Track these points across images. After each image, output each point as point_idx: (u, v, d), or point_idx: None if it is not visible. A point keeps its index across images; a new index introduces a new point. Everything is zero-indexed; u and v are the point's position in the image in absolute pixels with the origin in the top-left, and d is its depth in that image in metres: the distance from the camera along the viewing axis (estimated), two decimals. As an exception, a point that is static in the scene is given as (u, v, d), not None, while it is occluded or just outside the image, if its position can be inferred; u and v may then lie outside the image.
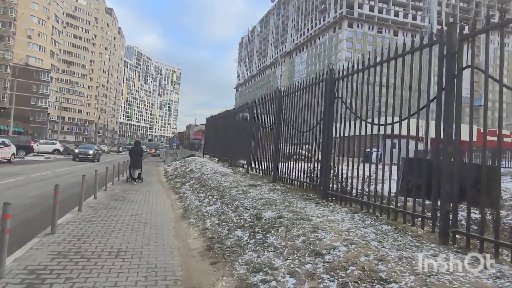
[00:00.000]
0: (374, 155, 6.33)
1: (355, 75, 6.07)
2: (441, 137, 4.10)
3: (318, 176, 7.19)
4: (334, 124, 6.59)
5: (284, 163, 8.93)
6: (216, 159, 18.14)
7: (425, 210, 4.51)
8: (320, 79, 7.07)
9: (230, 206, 6.77)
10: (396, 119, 5.07)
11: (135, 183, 13.43)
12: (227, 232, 5.37)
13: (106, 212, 7.13)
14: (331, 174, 6.60)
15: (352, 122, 5.99)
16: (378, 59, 5.41)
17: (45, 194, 9.77)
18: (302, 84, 8.06)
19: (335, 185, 6.56)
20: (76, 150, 29.79)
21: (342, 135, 6.59)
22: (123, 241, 5.09)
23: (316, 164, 7.49)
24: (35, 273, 3.74)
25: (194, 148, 46.02)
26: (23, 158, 26.18)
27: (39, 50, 71.64)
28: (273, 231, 4.69)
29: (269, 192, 7.78)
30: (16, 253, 4.31)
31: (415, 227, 4.55)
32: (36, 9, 70.58)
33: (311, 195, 7.22)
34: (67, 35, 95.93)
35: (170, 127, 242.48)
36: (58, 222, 5.88)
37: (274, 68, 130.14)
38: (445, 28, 4.14)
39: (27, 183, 11.93)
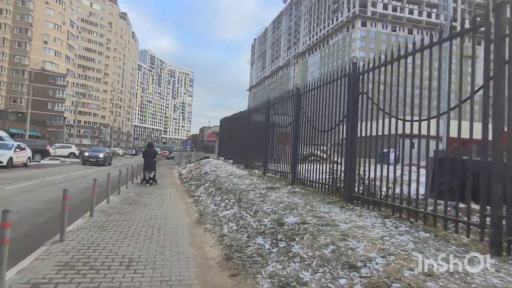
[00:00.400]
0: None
1: (381, 69, 5.60)
2: (488, 132, 3.62)
3: (342, 178, 6.75)
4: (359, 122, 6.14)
5: (304, 165, 8.49)
6: (231, 161, 17.80)
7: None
8: (342, 74, 6.62)
9: (248, 211, 6.37)
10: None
11: (148, 185, 13.41)
12: (246, 239, 4.96)
13: (119, 217, 6.82)
14: (356, 176, 6.14)
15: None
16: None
17: (57, 199, 9.52)
18: (322, 80, 7.61)
19: (360, 188, 6.10)
20: (86, 154, 28.02)
21: (366, 133, 6.13)
22: (136, 249, 4.74)
23: (338, 166, 7.05)
24: None
25: (208, 150, 45.88)
26: (39, 162, 26.39)
27: (55, 55, 72.84)
28: (297, 239, 4.27)
29: (288, 195, 7.36)
30: (21, 264, 4.01)
31: (457, 234, 4.06)
32: (52, 14, 71.83)
33: (334, 198, 6.77)
34: (82, 39, 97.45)
35: (184, 129, 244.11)
36: (68, 228, 5.59)
37: (287, 69, 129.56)
38: (492, 9, 3.66)
39: (40, 187, 11.79)
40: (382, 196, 5.59)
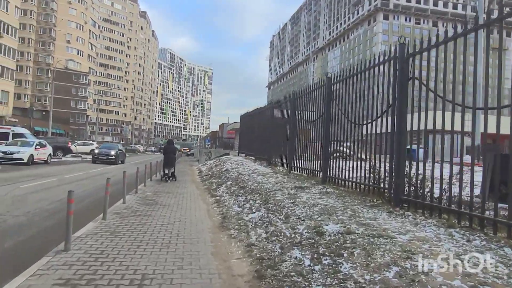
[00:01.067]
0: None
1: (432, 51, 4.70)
2: None
3: (383, 177, 5.88)
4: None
5: (336, 162, 7.63)
6: (253, 157, 17.06)
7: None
8: (386, 58, 5.72)
9: (278, 214, 5.60)
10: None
11: (168, 181, 13.39)
12: (279, 251, 4.18)
13: (134, 220, 6.17)
14: (406, 175, 5.25)
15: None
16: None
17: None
18: (359, 67, 6.72)
19: (410, 189, 5.21)
20: (96, 151, 25.20)
21: (420, 126, 5.24)
22: (150, 262, 4.04)
23: (377, 163, 6.19)
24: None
25: (228, 147, 45.40)
26: (61, 158, 26.44)
27: (78, 54, 73.97)
28: (345, 254, 3.46)
29: (321, 196, 6.54)
30: (14, 281, 3.36)
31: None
32: (74, 14, 72.94)
33: (375, 200, 5.90)
34: (103, 39, 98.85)
35: (203, 126, 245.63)
36: (77, 234, 4.97)
37: (306, 65, 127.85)
38: None
39: (57, 185, 11.38)
40: (435, 199, 4.71)
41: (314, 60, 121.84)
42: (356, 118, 6.99)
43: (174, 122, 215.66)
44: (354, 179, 6.85)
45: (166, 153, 14.15)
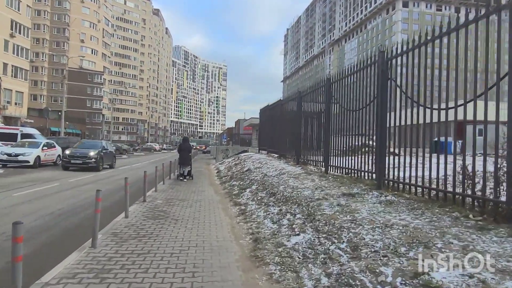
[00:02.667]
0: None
1: None
2: None
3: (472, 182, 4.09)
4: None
5: (397, 161, 5.84)
6: (275, 155, 15.34)
7: None
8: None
9: (336, 241, 3.87)
10: None
11: (185, 180, 13.03)
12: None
13: (134, 247, 4.54)
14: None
15: None
16: None
17: (68, 209, 7.55)
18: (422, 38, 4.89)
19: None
20: (68, 152, 17.14)
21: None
22: None
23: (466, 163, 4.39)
24: None
25: (245, 143, 43.84)
26: (72, 159, 25.28)
27: (92, 53, 73.63)
28: None
29: (384, 208, 4.80)
30: None
31: None
32: (87, 13, 72.47)
33: (472, 216, 4.10)
34: (117, 37, 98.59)
35: (219, 123, 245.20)
36: (46, 278, 3.36)
37: (322, 57, 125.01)
38: None
39: (57, 191, 9.93)
40: None
41: (330, 52, 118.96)
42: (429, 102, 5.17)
43: (190, 120, 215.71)
44: (426, 184, 5.06)
45: (181, 151, 13.66)
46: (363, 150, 7.36)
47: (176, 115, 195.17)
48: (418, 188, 5.37)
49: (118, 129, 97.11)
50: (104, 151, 18.18)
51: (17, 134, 21.12)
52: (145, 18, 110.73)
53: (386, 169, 6.12)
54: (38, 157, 17.28)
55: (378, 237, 3.60)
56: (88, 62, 72.86)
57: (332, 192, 6.13)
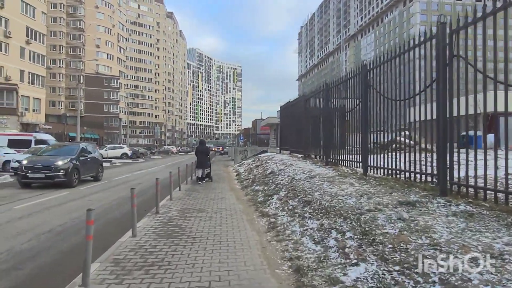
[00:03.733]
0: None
1: None
2: None
3: None
4: None
5: (471, 159, 4.58)
6: (299, 155, 14.16)
7: None
8: None
9: (422, 279, 2.68)
10: None
11: (203, 182, 12.81)
12: None
13: (139, 283, 3.46)
14: None
15: None
16: None
17: (69, 225, 6.57)
18: None
19: None
20: (24, 162, 12.58)
21: None
22: None
23: None
24: None
25: (263, 143, 42.73)
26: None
27: (107, 58, 73.96)
28: None
29: (467, 222, 3.65)
30: None
31: None
32: (102, 18, 72.80)
33: None
34: (132, 41, 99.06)
35: (235, 124, 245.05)
36: None
37: (337, 54, 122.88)
38: None
39: (63, 203, 9.03)
40: None
41: (346, 48, 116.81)
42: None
43: (206, 122, 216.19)
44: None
45: (198, 154, 13.31)
46: (413, 147, 6.11)
47: (192, 117, 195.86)
48: (489, 193, 4.12)
49: (135, 133, 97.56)
50: (82, 158, 13.37)
51: (31, 140, 20.61)
52: (159, 21, 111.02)
53: (450, 169, 4.87)
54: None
55: (492, 277, 2.40)
56: (104, 67, 73.22)
57: (383, 201, 4.92)
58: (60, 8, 65.04)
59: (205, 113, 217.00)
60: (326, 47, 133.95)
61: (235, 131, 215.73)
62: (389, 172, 6.87)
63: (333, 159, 9.96)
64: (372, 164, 7.40)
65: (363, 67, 7.68)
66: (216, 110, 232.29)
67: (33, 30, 41.65)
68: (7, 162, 16.68)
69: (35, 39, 42.24)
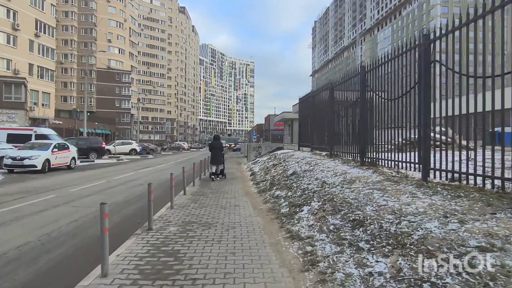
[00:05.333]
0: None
1: None
2: None
3: None
4: None
5: None
6: (323, 152, 12.32)
7: None
8: None
9: None
10: None
11: (219, 178, 12.58)
12: None
13: None
14: None
15: None
16: None
17: (36, 245, 4.92)
18: None
19: None
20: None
21: None
22: None
23: None
24: None
25: (277, 139, 40.90)
26: (93, 161, 23.34)
27: (119, 52, 72.99)
28: None
29: None
30: None
31: None
32: (113, 12, 71.78)
33: None
34: (144, 37, 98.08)
35: (247, 120, 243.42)
36: None
37: (353, 49, 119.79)
38: None
39: (42, 210, 7.40)
40: None
41: (361, 43, 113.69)
42: None
43: (219, 118, 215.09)
44: None
45: (212, 149, 12.89)
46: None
47: (204, 113, 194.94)
48: None
49: (147, 129, 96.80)
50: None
51: (31, 135, 19.25)
52: (171, 16, 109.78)
53: None
54: (47, 160, 15.13)
55: None
56: (116, 61, 72.27)
57: (495, 229, 3.08)
58: (72, 2, 64.11)
59: (218, 109, 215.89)
60: (341, 41, 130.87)
61: (247, 127, 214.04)
62: (454, 176, 5.06)
63: (370, 158, 8.10)
64: (438, 167, 5.50)
65: (423, 37, 5.78)
66: (228, 106, 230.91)
67: (42, 22, 40.60)
68: (1, 158, 15.32)
69: (44, 32, 41.19)
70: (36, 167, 14.44)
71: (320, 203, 5.61)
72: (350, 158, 9.55)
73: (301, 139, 16.67)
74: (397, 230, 3.54)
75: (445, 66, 5.34)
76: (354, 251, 3.60)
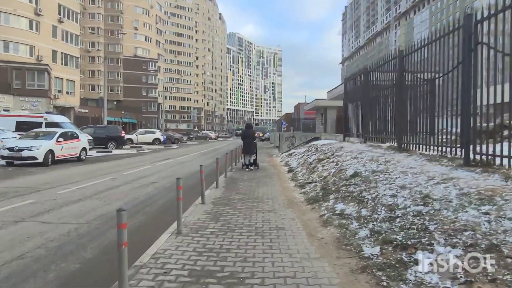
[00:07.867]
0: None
1: None
2: None
3: None
4: None
5: None
6: (384, 144, 9.46)
7: None
8: None
9: None
10: None
11: (252, 168, 12.13)
12: None
13: None
14: None
15: None
16: None
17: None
18: None
19: None
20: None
21: None
22: None
23: None
24: None
25: (308, 129, 37.91)
26: (110, 152, 21.40)
27: (145, 40, 71.60)
28: None
29: None
30: None
31: None
32: (139, -1, 70.33)
33: None
34: (171, 25, 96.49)
35: (275, 110, 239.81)
36: None
37: (386, 34, 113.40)
38: None
39: (12, 222, 5.10)
40: None
41: (396, 27, 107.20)
42: None
43: (246, 107, 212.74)
44: None
45: (245, 138, 12.57)
46: None
47: (232, 102, 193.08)
48: None
49: (175, 118, 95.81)
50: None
51: (41, 122, 17.41)
52: (198, 3, 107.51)
53: None
54: (51, 151, 13.06)
55: None
56: (142, 49, 70.94)
57: None
58: (98, -12, 63.05)
59: (245, 98, 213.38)
60: (374, 27, 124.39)
61: (275, 116, 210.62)
62: None
63: (485, 154, 5.22)
64: None
65: None
66: (256, 95, 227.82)
67: (65, 7, 39.19)
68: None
69: (68, 18, 39.81)
70: (37, 159, 12.40)
71: (458, 253, 2.84)
72: (434, 153, 6.69)
73: (347, 127, 13.72)
74: None
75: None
76: None
